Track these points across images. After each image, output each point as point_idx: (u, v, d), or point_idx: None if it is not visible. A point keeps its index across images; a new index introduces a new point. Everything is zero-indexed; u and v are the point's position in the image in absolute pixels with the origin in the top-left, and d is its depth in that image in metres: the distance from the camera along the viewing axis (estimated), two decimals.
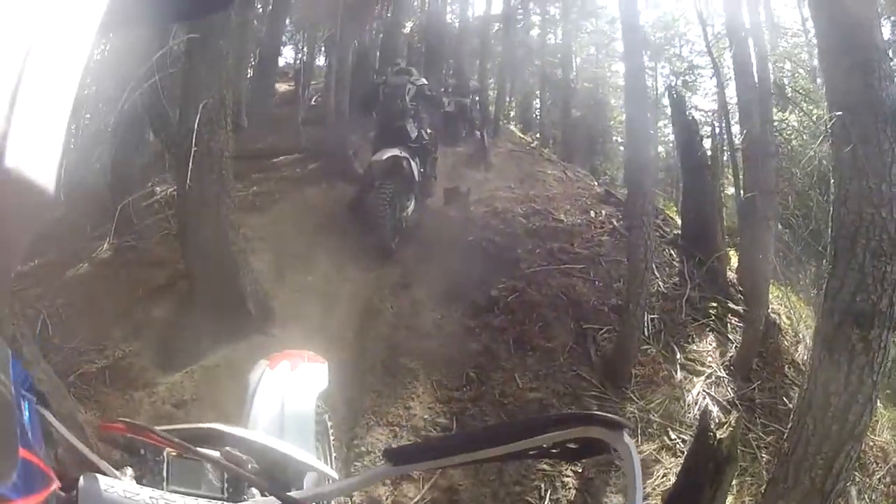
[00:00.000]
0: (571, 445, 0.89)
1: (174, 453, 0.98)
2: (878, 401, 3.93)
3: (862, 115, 3.32)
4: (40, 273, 5.22)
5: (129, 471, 0.92)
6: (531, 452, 0.92)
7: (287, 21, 11.36)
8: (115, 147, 6.08)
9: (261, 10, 10.99)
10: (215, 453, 0.99)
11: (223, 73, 4.79)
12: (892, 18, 7.55)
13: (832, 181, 3.61)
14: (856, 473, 4.10)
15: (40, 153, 0.27)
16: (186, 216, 4.81)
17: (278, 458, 1.14)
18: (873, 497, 4.51)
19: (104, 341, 4.71)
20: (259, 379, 1.90)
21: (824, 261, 4.12)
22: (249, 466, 1.01)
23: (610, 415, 0.88)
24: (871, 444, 4.67)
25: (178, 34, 4.84)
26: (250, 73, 10.67)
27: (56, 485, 0.63)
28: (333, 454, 2.24)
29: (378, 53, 11.44)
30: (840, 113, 3.39)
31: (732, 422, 3.54)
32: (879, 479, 4.61)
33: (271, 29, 10.79)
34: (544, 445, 0.90)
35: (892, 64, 3.61)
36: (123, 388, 4.38)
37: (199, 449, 0.94)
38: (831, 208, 3.57)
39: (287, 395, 1.85)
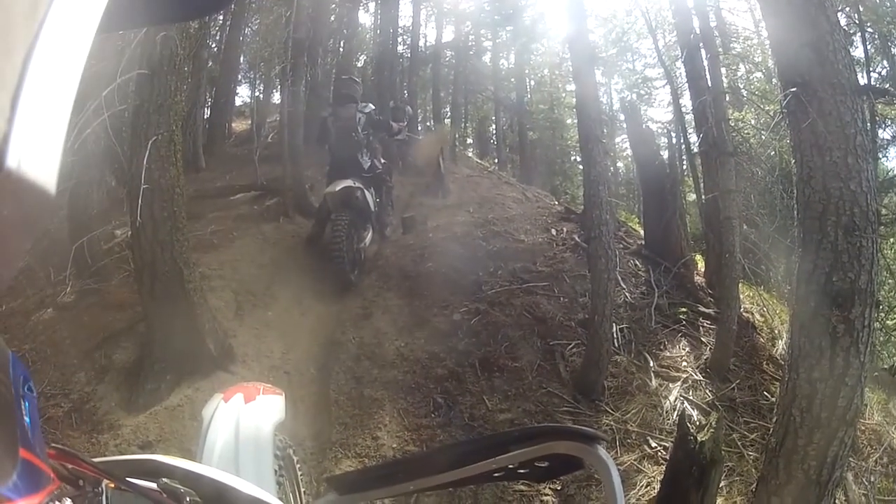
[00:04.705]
0: (541, 464, 0.83)
1: (112, 485, 0.88)
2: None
3: (818, 89, 3.25)
4: (7, 319, 5.21)
5: (68, 502, 0.81)
6: (496, 474, 0.87)
7: (241, 59, 11.32)
8: (71, 188, 5.91)
9: (215, 48, 10.95)
10: (152, 485, 0.91)
11: (173, 109, 4.71)
12: None
13: (794, 161, 3.53)
14: (850, 459, 4.00)
15: (41, 154, 0.27)
16: (141, 255, 4.70)
17: (221, 490, 1.06)
18: (871, 479, 4.46)
19: (69, 385, 4.65)
20: (213, 412, 1.87)
21: (793, 256, 4.05)
22: (188, 499, 0.93)
23: (580, 427, 0.82)
24: (863, 427, 4.64)
25: (126, 70, 4.75)
26: (207, 113, 10.58)
27: (56, 485, 0.62)
28: (303, 489, 2.19)
29: (332, 88, 11.40)
30: (794, 89, 3.32)
31: (713, 423, 3.45)
32: (876, 461, 4.58)
33: (225, 68, 10.76)
34: (510, 465, 0.84)
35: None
36: (90, 432, 4.31)
37: (133, 481, 0.85)
38: (795, 190, 3.49)
39: (241, 428, 1.82)
